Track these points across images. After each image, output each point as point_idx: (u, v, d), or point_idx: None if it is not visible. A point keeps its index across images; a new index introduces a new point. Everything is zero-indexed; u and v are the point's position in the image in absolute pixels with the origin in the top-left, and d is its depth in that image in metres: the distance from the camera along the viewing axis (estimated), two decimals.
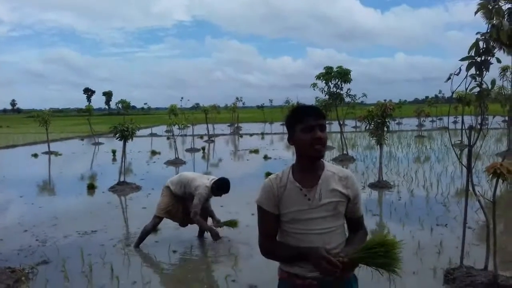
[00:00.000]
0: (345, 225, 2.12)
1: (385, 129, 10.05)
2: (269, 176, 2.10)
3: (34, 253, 5.78)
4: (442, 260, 5.03)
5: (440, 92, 44.51)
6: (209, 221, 6.21)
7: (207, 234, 6.17)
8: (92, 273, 4.97)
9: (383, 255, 1.84)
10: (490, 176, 4.10)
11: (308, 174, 2.01)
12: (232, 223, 6.19)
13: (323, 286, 1.96)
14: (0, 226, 7.03)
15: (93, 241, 6.17)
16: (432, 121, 39.91)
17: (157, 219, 6.01)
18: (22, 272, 4.91)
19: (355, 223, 2.12)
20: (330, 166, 2.06)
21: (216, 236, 5.87)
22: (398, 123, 38.69)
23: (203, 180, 5.88)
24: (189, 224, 6.17)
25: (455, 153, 4.80)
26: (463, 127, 4.60)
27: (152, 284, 4.78)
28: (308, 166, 2.02)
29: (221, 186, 5.82)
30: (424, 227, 6.51)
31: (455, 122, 34.39)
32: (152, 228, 6.05)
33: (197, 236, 6.28)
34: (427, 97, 56.78)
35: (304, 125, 1.97)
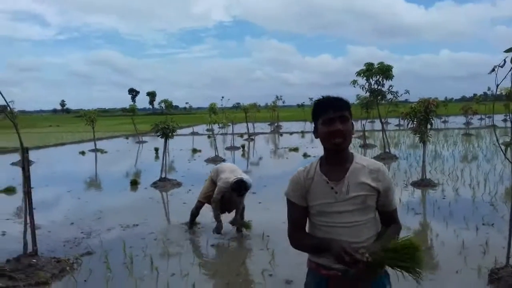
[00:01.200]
0: (378, 218, 2.07)
1: (429, 126, 9.74)
2: (298, 169, 2.09)
3: (79, 244, 6.02)
4: (487, 260, 4.81)
5: (488, 89, 42.60)
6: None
7: (246, 230, 6.25)
8: (133, 264, 5.12)
9: (406, 259, 1.80)
10: None
11: (335, 167, 1.98)
12: (246, 225, 6.27)
13: (348, 278, 1.93)
14: (48, 219, 7.35)
15: (134, 234, 6.35)
16: (481, 119, 38.30)
17: (199, 203, 6.45)
18: (67, 262, 5.12)
19: (387, 217, 2.07)
20: (360, 159, 2.02)
21: (216, 230, 6.05)
22: (444, 121, 37.44)
23: (230, 175, 6.05)
24: (226, 212, 6.31)
25: (501, 149, 4.58)
26: None
27: (190, 276, 4.86)
28: (334, 158, 1.99)
29: (235, 187, 5.93)
30: (469, 226, 6.26)
31: (505, 120, 32.86)
32: (196, 211, 6.49)
33: (235, 230, 6.33)
34: (475, 94, 54.63)
35: (324, 117, 1.94)
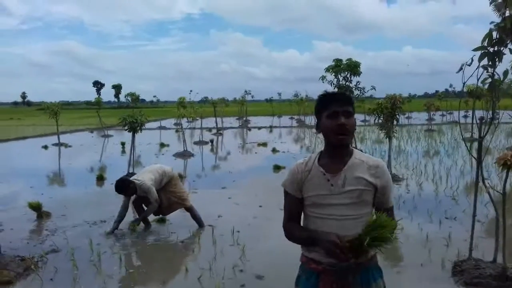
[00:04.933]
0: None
1: (394, 122, 9.98)
2: (298, 161, 2.12)
3: (44, 242, 5.85)
4: (451, 253, 4.99)
5: (450, 86, 44.08)
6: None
7: (214, 222, 6.27)
8: (100, 262, 5.02)
9: (378, 227, 1.82)
10: (500, 167, 4.06)
11: (334, 161, 2.00)
12: (131, 225, 6.19)
13: (338, 272, 1.96)
14: (9, 215, 7.10)
15: (102, 231, 6.22)
16: (442, 115, 39.56)
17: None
18: (32, 260, 4.96)
19: None
20: (360, 154, 2.04)
21: (133, 222, 6.19)
22: (408, 117, 38.40)
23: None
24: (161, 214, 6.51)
25: (465, 145, 4.75)
26: (474, 121, 4.53)
27: (160, 272, 4.82)
28: (334, 152, 2.01)
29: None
30: (432, 220, 6.47)
31: (465, 117, 34.06)
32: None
33: (200, 226, 6.33)
34: (437, 91, 56.29)
35: (329, 111, 1.96)
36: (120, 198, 6.36)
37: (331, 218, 1.97)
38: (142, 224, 6.40)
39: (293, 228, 2.09)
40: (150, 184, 5.96)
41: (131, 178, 6.18)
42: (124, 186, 6.05)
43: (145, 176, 6.08)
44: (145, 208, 6.31)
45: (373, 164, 2.01)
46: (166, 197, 6.22)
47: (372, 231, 1.82)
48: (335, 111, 1.95)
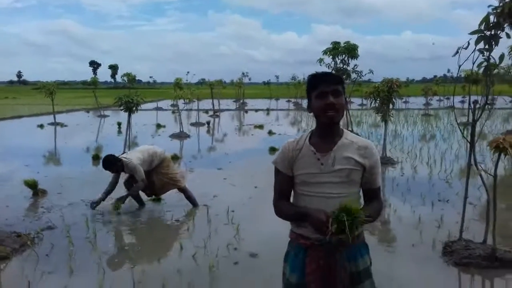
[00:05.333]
0: (361, 194, 2.13)
1: (391, 105, 10.00)
2: (289, 140, 2.15)
3: (40, 219, 5.89)
4: (442, 234, 5.06)
5: (448, 71, 43.85)
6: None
7: (209, 202, 6.33)
8: (96, 239, 5.07)
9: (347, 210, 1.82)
10: (493, 150, 4.10)
11: (324, 140, 2.04)
12: (115, 204, 6.21)
13: (325, 247, 2.00)
14: (5, 193, 7.13)
15: (98, 209, 6.25)
16: (440, 100, 39.55)
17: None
18: (28, 237, 5.01)
19: (370, 194, 2.13)
20: (350, 135, 2.08)
21: (118, 200, 6.20)
22: (405, 102, 38.37)
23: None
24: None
25: (459, 128, 4.79)
26: (470, 106, 4.55)
27: (155, 250, 4.88)
28: (325, 132, 2.05)
29: None
30: (425, 202, 6.54)
31: (462, 102, 34.09)
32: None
33: (194, 206, 6.39)
34: (435, 76, 56.17)
35: (318, 91, 2.00)
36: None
37: (320, 196, 2.02)
38: (136, 204, 6.45)
39: (283, 205, 2.13)
40: (137, 163, 5.98)
41: (119, 156, 6.20)
42: (111, 162, 6.08)
43: (133, 155, 6.12)
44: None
45: (362, 144, 2.05)
46: (158, 178, 6.26)
47: (339, 215, 1.82)
48: (324, 91, 1.98)
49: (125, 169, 6.08)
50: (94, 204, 6.20)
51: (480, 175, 4.52)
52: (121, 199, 6.23)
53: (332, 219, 1.84)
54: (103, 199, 6.24)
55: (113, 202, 6.23)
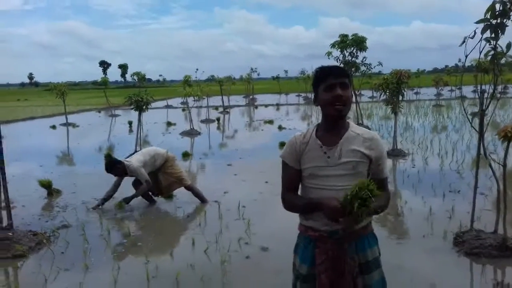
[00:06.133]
0: None
1: (400, 97, 9.95)
2: (296, 133, 2.18)
3: (55, 218, 6.01)
4: (453, 225, 5.06)
5: (459, 60, 43.30)
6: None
7: (220, 198, 6.37)
8: (110, 236, 5.17)
9: (364, 198, 1.83)
10: (502, 139, 4.08)
11: (331, 133, 2.07)
12: (118, 204, 6.35)
13: (334, 239, 2.04)
14: (20, 193, 7.25)
15: (111, 208, 6.35)
16: (451, 90, 39.12)
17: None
18: (44, 235, 5.12)
19: (378, 185, 2.09)
20: (355, 127, 2.10)
21: (122, 201, 6.33)
22: (416, 93, 38.09)
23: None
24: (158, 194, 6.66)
25: (468, 118, 4.76)
26: (479, 96, 4.53)
27: (168, 245, 4.96)
28: (331, 125, 2.07)
29: None
30: (436, 193, 6.53)
31: (474, 91, 33.67)
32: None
33: (203, 202, 6.47)
34: (446, 66, 55.49)
35: (326, 84, 2.01)
36: (127, 177, 6.47)
37: (327, 189, 2.04)
38: (145, 202, 6.55)
39: (293, 197, 2.16)
40: (137, 165, 6.09)
41: (122, 159, 6.30)
42: (111, 165, 6.21)
43: (134, 158, 6.25)
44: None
45: (367, 136, 2.07)
46: (164, 178, 6.38)
47: (357, 194, 1.84)
48: (332, 83, 2.00)
49: (128, 172, 6.20)
50: (93, 208, 6.35)
51: (490, 165, 4.50)
52: (126, 200, 6.35)
53: (351, 195, 1.85)
54: (101, 204, 6.39)
55: (119, 201, 6.35)
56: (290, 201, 2.16)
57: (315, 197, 2.06)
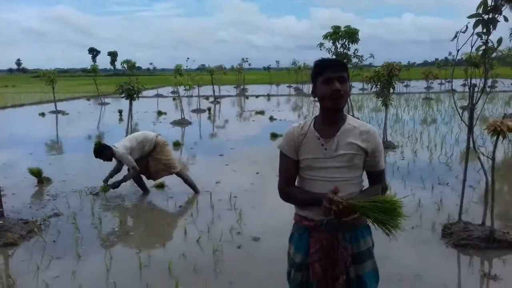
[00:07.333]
0: (363, 177, 2.17)
1: (391, 90, 10.02)
2: (293, 124, 2.20)
3: (45, 206, 5.98)
4: (441, 217, 5.15)
5: (450, 54, 43.56)
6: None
7: (212, 188, 6.40)
8: (101, 225, 5.17)
9: (383, 211, 1.89)
10: (491, 134, 4.15)
11: (328, 126, 2.09)
12: (102, 187, 6.47)
13: (328, 229, 2.07)
14: (10, 181, 7.22)
15: (101, 196, 6.35)
16: (441, 83, 39.42)
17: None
18: (35, 223, 5.10)
19: (374, 177, 2.19)
20: (352, 120, 2.12)
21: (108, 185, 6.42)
22: (406, 86, 38.29)
23: None
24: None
25: (458, 112, 4.82)
26: (469, 89, 4.58)
27: (160, 235, 4.98)
28: (329, 118, 2.10)
29: None
30: (425, 185, 6.62)
31: (464, 85, 33.97)
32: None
33: (194, 191, 6.49)
34: (436, 59, 55.79)
35: (324, 77, 2.03)
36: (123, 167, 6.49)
37: (323, 180, 2.08)
38: (140, 190, 6.55)
39: (290, 189, 2.18)
40: (123, 152, 6.09)
41: (111, 145, 6.28)
42: (99, 151, 6.21)
43: (121, 144, 6.25)
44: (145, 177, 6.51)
45: (364, 129, 2.10)
46: (153, 163, 6.35)
47: (376, 211, 1.88)
48: (330, 77, 2.02)
49: (116, 158, 6.23)
50: (104, 188, 6.41)
51: (479, 158, 4.58)
52: (113, 185, 6.36)
53: (361, 207, 1.88)
54: (107, 179, 6.49)
55: (104, 185, 6.41)
56: (291, 192, 2.17)
57: (310, 188, 2.09)
